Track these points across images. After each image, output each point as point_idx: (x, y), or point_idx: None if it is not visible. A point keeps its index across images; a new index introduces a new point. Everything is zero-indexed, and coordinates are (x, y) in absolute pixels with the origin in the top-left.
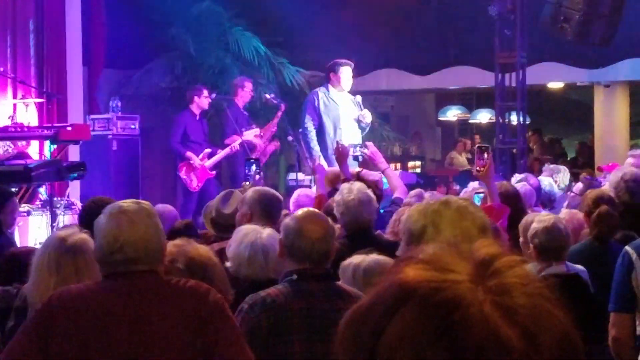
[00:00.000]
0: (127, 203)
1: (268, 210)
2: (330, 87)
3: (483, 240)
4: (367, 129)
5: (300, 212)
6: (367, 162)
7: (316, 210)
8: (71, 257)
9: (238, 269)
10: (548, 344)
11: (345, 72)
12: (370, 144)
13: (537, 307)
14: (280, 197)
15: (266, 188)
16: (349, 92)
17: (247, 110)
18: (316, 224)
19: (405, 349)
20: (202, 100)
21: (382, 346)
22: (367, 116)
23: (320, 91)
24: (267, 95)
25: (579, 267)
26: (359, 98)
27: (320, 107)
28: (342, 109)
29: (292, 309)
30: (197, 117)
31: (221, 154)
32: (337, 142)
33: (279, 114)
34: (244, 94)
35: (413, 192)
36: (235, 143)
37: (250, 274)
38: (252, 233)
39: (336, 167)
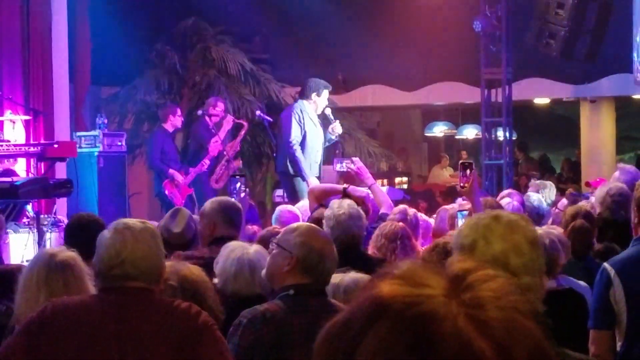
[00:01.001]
0: (132, 221)
1: (230, 218)
2: (305, 102)
3: (456, 256)
4: (333, 141)
5: (309, 227)
6: (353, 178)
7: (316, 227)
8: (60, 272)
9: (225, 285)
10: (521, 358)
11: (325, 96)
12: (356, 159)
13: (510, 320)
14: (239, 205)
15: (224, 197)
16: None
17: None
18: (326, 240)
19: None
20: (177, 119)
21: None
22: (338, 128)
23: (300, 106)
24: (257, 112)
25: (579, 282)
26: (328, 111)
27: (302, 120)
28: (315, 124)
29: (293, 324)
30: (171, 135)
31: (196, 169)
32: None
33: (242, 132)
34: (215, 113)
35: (396, 209)
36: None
37: (237, 289)
38: (238, 249)
39: (323, 184)
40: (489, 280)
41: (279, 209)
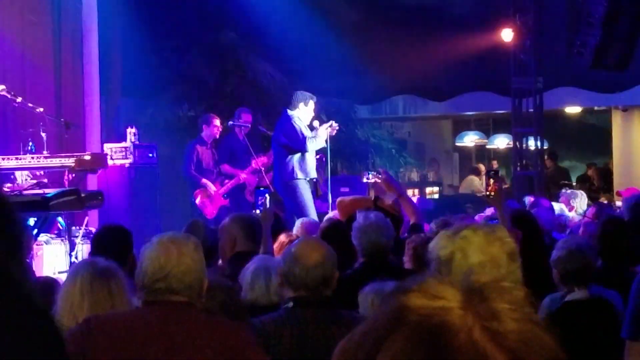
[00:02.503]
0: (176, 234)
1: (250, 233)
2: (295, 112)
3: (473, 268)
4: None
5: (300, 239)
6: (382, 189)
7: (315, 237)
8: (105, 280)
9: (244, 294)
10: None
11: (311, 106)
12: (384, 170)
13: (526, 332)
14: (259, 219)
15: (243, 213)
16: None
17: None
18: (313, 250)
19: None
20: (212, 129)
21: None
22: (326, 127)
23: (295, 114)
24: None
25: (609, 290)
26: (316, 123)
27: (300, 128)
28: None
29: (282, 335)
30: (208, 146)
31: (233, 181)
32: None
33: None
34: (240, 124)
35: (439, 221)
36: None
37: (252, 298)
38: (260, 259)
39: (351, 196)
40: (504, 292)
41: (299, 220)
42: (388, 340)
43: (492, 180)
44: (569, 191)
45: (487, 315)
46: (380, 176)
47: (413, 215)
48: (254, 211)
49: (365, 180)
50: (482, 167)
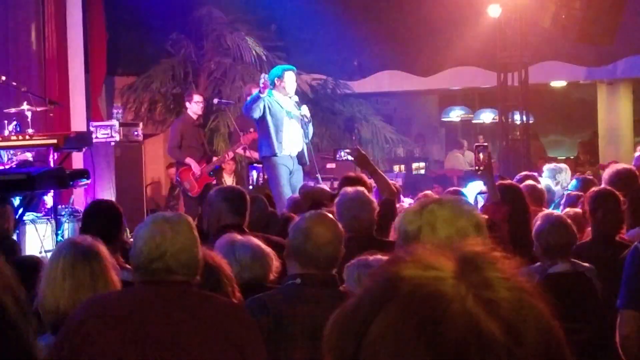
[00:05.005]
0: (169, 214)
1: (235, 206)
2: (274, 91)
3: (468, 239)
4: (310, 124)
5: (309, 213)
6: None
7: (325, 212)
8: (87, 261)
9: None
10: (531, 337)
11: (289, 77)
12: (356, 147)
13: (519, 300)
14: (245, 191)
15: (230, 185)
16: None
17: None
18: (325, 227)
19: (387, 345)
20: (193, 105)
21: (365, 344)
22: (306, 112)
23: (266, 95)
24: (215, 100)
25: (586, 265)
26: (295, 98)
27: (271, 106)
28: (286, 112)
29: (295, 314)
30: (195, 122)
31: (218, 159)
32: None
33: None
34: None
35: (421, 195)
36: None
37: (253, 276)
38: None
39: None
40: (496, 261)
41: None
42: (381, 310)
43: (481, 155)
44: (552, 165)
45: (480, 284)
46: (353, 154)
47: (385, 192)
48: (247, 188)
49: (338, 158)
50: (465, 143)
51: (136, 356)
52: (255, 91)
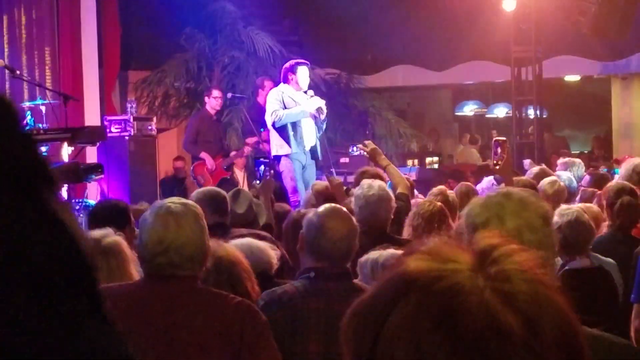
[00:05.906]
0: (174, 203)
1: (215, 206)
2: (288, 87)
3: (483, 232)
4: (325, 124)
5: (323, 207)
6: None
7: (339, 206)
8: (104, 258)
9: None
10: (548, 330)
11: (302, 72)
12: (369, 142)
13: (537, 293)
14: (224, 192)
15: (209, 187)
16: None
17: None
18: (340, 222)
19: (405, 338)
20: (212, 101)
21: (382, 337)
22: (321, 104)
23: (281, 89)
24: (229, 94)
25: (607, 259)
26: (311, 92)
27: (284, 102)
28: (298, 104)
29: (310, 308)
30: (212, 118)
31: (236, 154)
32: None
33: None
34: (265, 94)
35: (436, 190)
36: (249, 145)
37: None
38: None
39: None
40: (514, 254)
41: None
42: (399, 302)
43: (499, 150)
44: (566, 159)
45: (498, 276)
46: (366, 148)
47: (398, 186)
48: (254, 182)
49: (351, 152)
50: (478, 138)
51: (135, 350)
52: (267, 83)
